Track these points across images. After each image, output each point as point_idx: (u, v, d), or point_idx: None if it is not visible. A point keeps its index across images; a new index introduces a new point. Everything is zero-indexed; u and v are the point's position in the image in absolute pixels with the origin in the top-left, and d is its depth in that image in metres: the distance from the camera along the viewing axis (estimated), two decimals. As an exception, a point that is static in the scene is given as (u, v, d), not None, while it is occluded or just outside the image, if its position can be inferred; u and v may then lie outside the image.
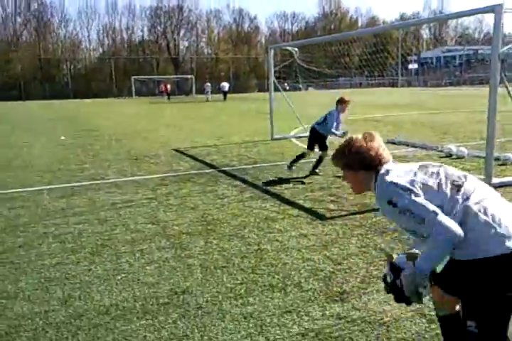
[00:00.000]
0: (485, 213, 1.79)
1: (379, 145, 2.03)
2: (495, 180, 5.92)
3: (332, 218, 4.90)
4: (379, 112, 18.84)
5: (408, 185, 1.85)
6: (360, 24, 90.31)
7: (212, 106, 30.43)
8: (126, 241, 4.35)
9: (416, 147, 9.31)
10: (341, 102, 6.98)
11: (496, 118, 5.85)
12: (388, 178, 1.90)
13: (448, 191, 1.84)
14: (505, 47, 5.91)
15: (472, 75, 59.13)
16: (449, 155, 8.14)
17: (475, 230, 1.77)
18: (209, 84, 42.30)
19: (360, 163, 2.01)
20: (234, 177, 7.17)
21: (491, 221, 1.77)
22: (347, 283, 3.37)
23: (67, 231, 4.70)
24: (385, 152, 2.03)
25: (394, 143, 9.58)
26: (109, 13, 74.83)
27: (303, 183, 6.58)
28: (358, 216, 4.92)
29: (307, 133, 11.77)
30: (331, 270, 3.60)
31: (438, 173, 1.91)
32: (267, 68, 12.09)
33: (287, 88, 11.01)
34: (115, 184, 6.85)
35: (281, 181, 6.79)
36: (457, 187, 1.86)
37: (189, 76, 57.20)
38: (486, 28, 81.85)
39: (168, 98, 42.03)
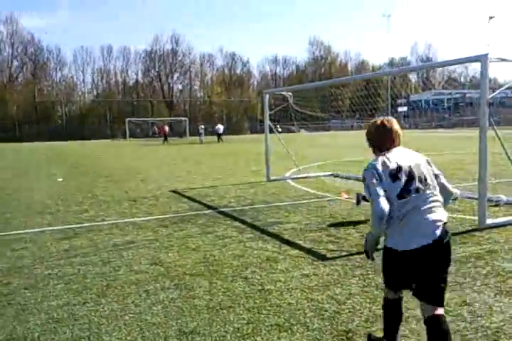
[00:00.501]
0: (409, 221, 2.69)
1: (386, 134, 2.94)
2: (488, 221, 6.08)
3: (332, 258, 4.99)
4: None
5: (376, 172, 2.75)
6: (350, 68, 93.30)
7: (207, 148, 30.85)
8: (131, 282, 4.40)
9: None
10: None
11: (487, 159, 6.09)
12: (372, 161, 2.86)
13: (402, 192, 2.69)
14: (493, 94, 6.25)
15: (461, 118, 60.73)
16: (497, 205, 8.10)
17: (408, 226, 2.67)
18: (203, 126, 43.06)
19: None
20: (233, 218, 7.28)
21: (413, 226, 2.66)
22: (352, 323, 3.45)
23: (72, 272, 4.75)
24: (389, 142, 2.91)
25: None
26: (104, 56, 76.79)
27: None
28: (357, 256, 5.02)
29: (302, 174, 12.12)
30: (335, 309, 3.68)
31: (410, 174, 2.74)
32: (262, 112, 12.44)
33: (280, 130, 11.36)
34: (116, 225, 6.92)
35: (279, 222, 6.90)
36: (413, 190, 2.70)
37: (183, 118, 58.12)
38: (471, 72, 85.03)
39: (165, 140, 41.07)
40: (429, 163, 2.89)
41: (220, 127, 41.16)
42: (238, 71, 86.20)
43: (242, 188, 10.59)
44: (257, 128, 69.32)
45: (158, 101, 77.49)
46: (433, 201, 2.72)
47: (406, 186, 2.69)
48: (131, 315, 3.66)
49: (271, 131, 12.35)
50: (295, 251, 5.30)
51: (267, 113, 12.28)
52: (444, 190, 2.87)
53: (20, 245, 5.88)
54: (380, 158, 2.83)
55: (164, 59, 78.85)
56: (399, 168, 2.72)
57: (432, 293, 2.66)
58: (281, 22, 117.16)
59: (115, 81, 77.96)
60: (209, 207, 8.27)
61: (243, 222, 6.97)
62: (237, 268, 4.75)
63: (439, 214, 2.70)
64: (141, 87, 78.45)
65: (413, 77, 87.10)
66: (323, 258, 5.03)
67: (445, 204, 2.84)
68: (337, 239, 5.76)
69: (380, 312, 3.56)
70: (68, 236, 6.32)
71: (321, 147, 24.34)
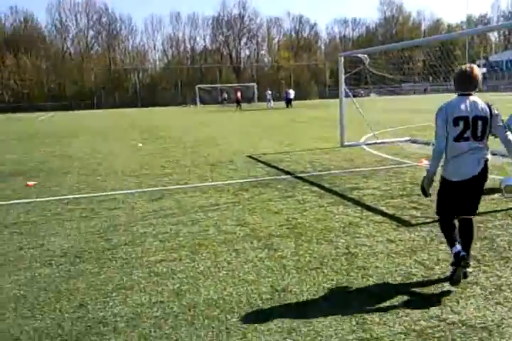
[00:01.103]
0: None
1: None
2: None
3: (418, 225, 4.95)
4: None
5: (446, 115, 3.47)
6: (423, 28, 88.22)
7: (276, 114, 30.79)
8: (221, 242, 4.63)
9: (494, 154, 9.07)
10: None
11: None
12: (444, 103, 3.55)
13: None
14: None
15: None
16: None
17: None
18: (270, 92, 42.75)
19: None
20: (310, 183, 7.34)
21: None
22: (442, 288, 3.45)
23: (164, 231, 5.06)
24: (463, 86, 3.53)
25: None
26: (173, 23, 77.72)
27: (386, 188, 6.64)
28: (443, 223, 4.93)
29: (378, 140, 11.87)
30: (424, 274, 3.68)
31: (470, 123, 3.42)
32: (331, 75, 12.15)
33: (350, 93, 11.01)
34: (199, 188, 7.22)
35: (358, 187, 6.88)
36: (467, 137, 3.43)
37: (251, 84, 58.07)
38: (562, 29, 77.32)
39: (238, 106, 40.86)
40: (491, 117, 3.46)
41: (291, 92, 40.44)
42: (306, 34, 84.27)
43: (316, 154, 10.59)
44: (325, 93, 68.06)
45: (226, 67, 77.73)
46: (477, 148, 3.45)
47: (461, 133, 3.43)
48: (224, 272, 3.87)
49: (346, 95, 12.11)
50: (378, 217, 5.30)
51: (342, 76, 12.02)
52: (505, 141, 3.56)
53: (114, 205, 6.32)
54: (451, 103, 3.52)
55: (231, 24, 78.49)
56: (461, 117, 3.42)
57: (468, 209, 3.61)
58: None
59: (184, 48, 78.98)
60: (286, 172, 8.37)
61: (321, 187, 7.02)
62: (321, 232, 4.84)
63: (478, 159, 3.45)
64: (209, 53, 78.99)
65: (493, 36, 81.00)
66: (407, 224, 5.00)
67: (504, 140, 3.56)
68: (420, 206, 5.67)
69: (471, 278, 3.55)
70: (156, 197, 6.69)
71: (394, 112, 23.53)
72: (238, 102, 41.54)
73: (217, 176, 8.24)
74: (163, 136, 16.47)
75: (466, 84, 3.53)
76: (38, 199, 6.86)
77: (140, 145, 13.64)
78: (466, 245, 3.57)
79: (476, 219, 3.81)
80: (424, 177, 3.61)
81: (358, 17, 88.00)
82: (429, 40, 17.03)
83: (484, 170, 3.47)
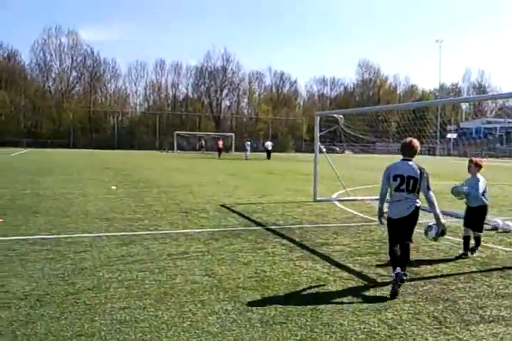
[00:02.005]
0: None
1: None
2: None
3: (383, 283, 5.02)
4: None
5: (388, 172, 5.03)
6: (399, 91, 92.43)
7: (253, 165, 31.18)
8: (186, 291, 4.59)
9: (460, 218, 9.35)
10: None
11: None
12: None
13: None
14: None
15: (512, 148, 58.69)
16: (495, 229, 8.17)
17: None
18: (249, 142, 43.46)
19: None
20: (281, 236, 7.40)
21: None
22: (404, 348, 3.48)
23: (130, 277, 5.00)
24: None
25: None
26: (156, 70, 79.36)
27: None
28: (407, 283, 5.02)
29: (350, 197, 12.13)
30: (387, 334, 3.72)
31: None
32: (308, 131, 12.57)
33: (324, 150, 11.38)
34: (169, 235, 7.19)
35: (328, 243, 6.96)
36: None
37: (229, 134, 59.02)
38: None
39: (220, 155, 41.36)
40: (421, 178, 4.86)
41: (269, 144, 41.25)
42: (286, 90, 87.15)
43: (288, 207, 10.72)
44: (301, 147, 69.53)
45: (206, 116, 79.11)
46: (409, 198, 4.87)
47: (398, 186, 4.90)
48: (188, 323, 3.83)
49: (320, 151, 12.47)
50: (345, 274, 5.36)
51: (318, 134, 12.43)
52: (424, 192, 4.90)
53: (81, 248, 6.22)
54: (394, 165, 5.05)
55: (214, 75, 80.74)
56: (398, 175, 4.92)
57: (404, 237, 4.92)
58: (330, 44, 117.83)
59: (166, 94, 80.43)
60: (257, 224, 8.43)
61: (292, 240, 7.09)
62: (289, 286, 4.86)
63: (410, 205, 4.86)
64: (190, 102, 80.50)
65: (464, 104, 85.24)
66: (373, 282, 5.07)
67: (426, 198, 4.92)
68: (387, 265, 5.77)
69: (432, 339, 3.61)
70: (125, 242, 6.62)
71: (367, 170, 24.12)
72: (219, 150, 42.05)
73: (188, 224, 8.23)
74: (138, 180, 16.43)
75: (406, 152, 5.03)
76: (2, 238, 6.70)
77: (113, 187, 13.56)
78: (403, 263, 4.85)
79: (439, 280, 4.40)
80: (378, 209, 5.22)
81: (337, 77, 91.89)
82: (405, 106, 17.91)
83: (414, 212, 4.89)
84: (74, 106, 68.20)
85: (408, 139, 5.08)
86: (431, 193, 4.87)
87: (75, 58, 74.22)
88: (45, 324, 3.71)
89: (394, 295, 4.55)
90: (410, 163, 4.93)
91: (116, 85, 77.97)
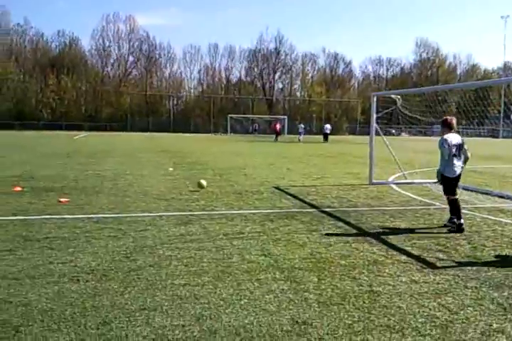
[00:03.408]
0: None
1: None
2: None
3: (443, 267, 4.89)
4: (479, 163, 18.15)
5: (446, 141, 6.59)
6: (459, 71, 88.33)
7: (307, 148, 30.99)
8: (243, 270, 4.67)
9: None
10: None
11: None
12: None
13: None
14: None
15: None
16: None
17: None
18: (303, 125, 43.06)
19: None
20: (336, 218, 7.35)
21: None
22: (466, 334, 3.39)
23: (189, 255, 5.14)
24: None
25: (501, 197, 9.26)
26: (210, 54, 79.84)
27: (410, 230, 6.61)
28: (469, 267, 4.87)
29: (407, 180, 11.82)
30: (448, 318, 3.63)
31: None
32: (363, 113, 12.27)
33: (380, 133, 11.07)
34: (225, 216, 7.31)
35: (384, 226, 6.85)
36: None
37: (282, 117, 58.73)
38: None
39: (277, 138, 41.29)
40: (463, 143, 6.64)
41: (328, 126, 40.56)
42: (340, 71, 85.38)
43: (343, 189, 10.60)
44: (356, 130, 68.28)
45: (259, 99, 79.09)
46: (460, 160, 6.60)
47: (454, 152, 6.52)
48: (246, 301, 3.90)
49: (376, 133, 12.18)
50: (403, 257, 5.26)
51: (374, 115, 12.12)
52: (465, 156, 6.70)
53: (141, 227, 6.45)
54: (446, 136, 6.61)
55: (267, 58, 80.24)
56: (451, 142, 6.53)
57: (453, 189, 6.68)
58: (386, 23, 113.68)
59: (219, 78, 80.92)
60: (312, 206, 8.40)
61: (347, 223, 7.02)
62: (345, 268, 4.83)
63: (460, 166, 6.59)
64: (243, 85, 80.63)
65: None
66: (432, 266, 4.95)
67: (464, 163, 6.73)
68: (446, 249, 5.61)
69: (496, 326, 3.49)
70: (183, 222, 6.80)
71: (425, 153, 23.33)
72: (277, 133, 41.94)
73: (243, 205, 8.33)
74: (193, 162, 16.77)
75: (453, 126, 6.71)
76: (69, 216, 7.06)
77: (171, 169, 13.91)
78: (459, 214, 6.57)
79: (503, 266, 4.29)
80: (437, 172, 6.81)
81: (393, 57, 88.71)
82: (465, 86, 17.08)
83: (460, 172, 6.61)
84: (131, 91, 70.09)
85: (450, 117, 6.82)
86: (469, 153, 6.79)
87: (132, 43, 76.09)
88: (110, 297, 3.90)
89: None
90: (456, 134, 6.74)
91: (172, 69, 79.37)
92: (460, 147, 6.57)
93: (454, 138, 6.57)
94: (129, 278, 4.36)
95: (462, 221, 6.46)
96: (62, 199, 8.34)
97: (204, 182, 9.64)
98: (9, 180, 11.04)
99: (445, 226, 6.70)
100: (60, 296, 3.89)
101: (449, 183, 6.60)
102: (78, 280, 4.28)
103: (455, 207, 6.56)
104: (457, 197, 6.68)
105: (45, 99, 67.76)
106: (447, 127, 6.66)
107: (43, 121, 64.45)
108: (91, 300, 3.83)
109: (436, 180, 7.18)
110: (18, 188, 9.52)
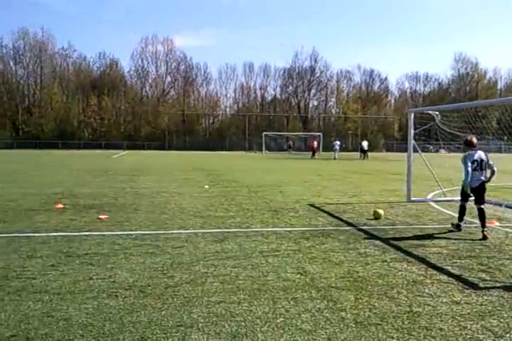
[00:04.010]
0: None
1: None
2: None
3: (486, 288, 4.72)
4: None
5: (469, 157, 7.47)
6: (499, 86, 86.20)
7: (343, 164, 30.75)
8: (279, 288, 4.64)
9: None
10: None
11: None
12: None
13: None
14: None
15: None
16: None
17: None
18: (338, 142, 42.77)
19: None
20: (374, 236, 7.22)
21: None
22: (512, 358, 3.25)
23: (225, 272, 5.15)
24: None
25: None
26: (245, 73, 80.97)
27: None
28: (514, 289, 4.68)
29: (446, 198, 11.52)
30: (493, 342, 3.49)
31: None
32: (400, 129, 12.09)
33: (418, 149, 10.91)
34: (260, 233, 7.31)
35: (424, 245, 6.68)
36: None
37: (317, 133, 58.59)
38: None
39: (313, 155, 41.47)
40: (487, 158, 7.44)
41: (365, 143, 40.13)
42: (375, 88, 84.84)
43: (380, 207, 10.40)
44: (393, 147, 67.31)
45: (293, 117, 79.34)
46: (482, 174, 7.43)
47: (475, 166, 7.36)
48: (281, 319, 3.87)
49: (414, 150, 11.98)
50: (443, 277, 5.11)
51: (412, 132, 11.95)
52: (491, 170, 7.52)
53: (178, 243, 6.52)
54: (467, 153, 7.46)
55: (302, 75, 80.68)
56: (475, 159, 7.37)
57: (479, 199, 7.42)
58: (422, 38, 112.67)
59: (254, 96, 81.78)
60: (348, 224, 8.30)
61: (385, 241, 6.89)
62: (383, 287, 4.73)
63: (480, 178, 7.41)
64: (278, 102, 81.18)
65: None
66: (474, 287, 4.78)
67: (491, 175, 7.54)
68: (489, 269, 5.42)
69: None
70: (219, 239, 6.84)
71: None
72: (313, 151, 42.05)
73: (278, 222, 8.32)
74: (229, 180, 16.89)
75: (474, 144, 7.56)
76: (108, 233, 7.22)
77: (206, 187, 14.06)
78: (483, 222, 7.24)
79: None
80: (464, 185, 7.48)
81: (430, 73, 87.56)
82: (506, 101, 16.60)
83: (482, 184, 7.43)
84: (169, 110, 71.67)
85: (469, 137, 7.72)
86: (495, 167, 7.54)
87: (169, 64, 78.16)
88: (147, 313, 3.94)
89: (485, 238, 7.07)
90: (479, 151, 7.53)
91: (208, 88, 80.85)
92: (482, 162, 7.40)
93: (475, 154, 7.45)
94: (165, 295, 4.40)
95: (462, 223, 7.77)
96: (101, 216, 8.55)
97: (381, 212, 8.97)
98: (52, 197, 11.41)
99: (450, 231, 7.68)
100: (99, 311, 3.96)
101: (463, 191, 7.59)
102: (116, 296, 4.36)
103: (463, 211, 7.71)
104: (466, 204, 7.72)
105: (86, 119, 70.14)
106: (469, 145, 7.57)
107: (84, 141, 66.58)
108: (129, 315, 3.88)
109: (466, 193, 7.60)
110: (60, 205, 9.83)
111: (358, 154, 40.52)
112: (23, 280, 4.78)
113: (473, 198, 7.59)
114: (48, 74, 72.94)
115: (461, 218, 7.74)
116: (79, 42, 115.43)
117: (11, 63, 72.26)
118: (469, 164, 7.32)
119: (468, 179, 7.34)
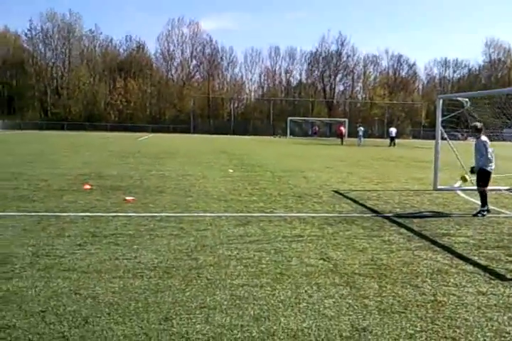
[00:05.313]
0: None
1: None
2: None
3: (513, 280, 4.64)
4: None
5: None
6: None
7: (368, 151, 30.42)
8: (302, 273, 4.64)
9: None
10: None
11: None
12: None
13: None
14: None
15: None
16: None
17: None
18: (362, 128, 42.23)
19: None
20: (398, 224, 7.15)
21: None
22: (539, 351, 3.19)
23: (248, 256, 5.18)
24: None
25: None
26: (271, 56, 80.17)
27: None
28: (543, 281, 4.59)
29: (474, 187, 11.27)
30: (519, 334, 3.44)
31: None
32: (427, 116, 11.83)
33: (445, 137, 10.69)
34: (283, 218, 7.31)
35: (449, 234, 6.58)
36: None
37: (343, 119, 57.92)
38: None
39: (342, 141, 41.15)
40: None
41: (393, 130, 39.44)
42: (403, 73, 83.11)
43: (406, 195, 10.30)
44: (420, 134, 66.18)
45: (319, 102, 78.52)
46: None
47: (490, 150, 7.86)
48: (304, 304, 3.88)
49: (442, 137, 11.74)
50: (469, 267, 5.03)
51: (439, 119, 11.70)
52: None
53: (202, 226, 6.59)
54: (484, 138, 7.91)
55: (328, 60, 79.51)
56: (488, 143, 7.93)
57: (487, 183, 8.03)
58: (452, 23, 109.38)
59: (279, 81, 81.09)
60: (373, 211, 8.23)
61: (410, 229, 6.81)
62: (407, 275, 4.69)
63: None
64: (303, 87, 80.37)
65: None
66: (502, 277, 4.70)
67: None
68: (518, 260, 5.31)
69: None
70: (242, 223, 6.87)
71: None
72: (342, 136, 41.69)
73: (302, 208, 8.30)
74: (253, 164, 16.91)
75: (483, 130, 8.00)
76: (134, 214, 7.33)
77: (231, 171, 14.11)
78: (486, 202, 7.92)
79: None
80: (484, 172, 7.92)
81: (460, 58, 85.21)
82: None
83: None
84: (194, 94, 71.77)
85: (480, 123, 8.11)
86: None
87: (195, 47, 77.96)
88: (172, 294, 4.00)
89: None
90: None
91: (233, 72, 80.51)
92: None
93: (488, 140, 7.96)
94: (189, 276, 4.46)
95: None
96: (127, 198, 8.67)
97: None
98: (80, 178, 11.62)
99: (475, 215, 7.82)
100: (124, 291, 4.04)
101: (488, 177, 7.90)
102: (142, 276, 4.43)
103: (485, 197, 7.87)
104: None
105: (113, 101, 70.85)
106: (480, 131, 7.97)
107: (110, 123, 67.40)
108: (153, 296, 3.95)
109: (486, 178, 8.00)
110: (88, 186, 10.01)
111: (382, 140, 39.89)
112: (52, 258, 4.90)
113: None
114: (75, 56, 73.69)
115: (486, 202, 8.01)
116: (105, 25, 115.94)
117: (40, 45, 73.23)
118: (490, 150, 7.77)
119: (493, 166, 7.88)
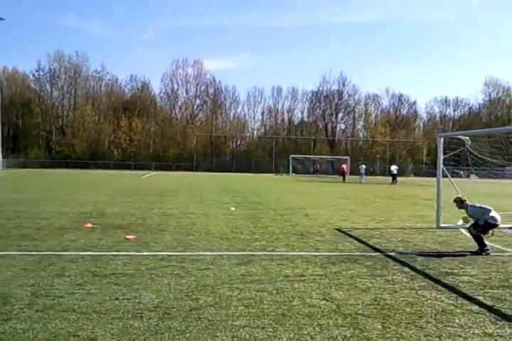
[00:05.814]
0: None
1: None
2: None
3: (520, 321, 4.54)
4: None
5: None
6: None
7: (370, 188, 30.42)
8: (305, 314, 4.57)
9: None
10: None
11: None
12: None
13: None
14: None
15: None
16: None
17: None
18: (364, 166, 42.39)
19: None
20: (402, 263, 7.07)
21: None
22: None
23: (249, 296, 5.11)
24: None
25: None
26: (273, 96, 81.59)
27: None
28: (550, 322, 4.49)
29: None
30: (527, 378, 3.34)
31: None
32: (429, 154, 11.92)
33: (448, 175, 10.74)
34: (286, 257, 7.25)
35: (454, 273, 6.50)
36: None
37: (345, 157, 58.27)
38: None
39: (344, 179, 41.42)
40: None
41: (395, 167, 39.60)
42: (404, 112, 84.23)
43: (409, 233, 10.23)
44: (421, 171, 66.33)
45: (321, 140, 79.26)
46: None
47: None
48: (307, 346, 3.80)
49: (443, 175, 11.79)
50: (474, 307, 4.95)
51: (441, 156, 11.79)
52: None
53: (203, 265, 6.53)
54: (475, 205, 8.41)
55: (330, 99, 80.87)
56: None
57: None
58: (452, 62, 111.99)
59: (281, 119, 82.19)
60: (375, 249, 8.16)
61: (413, 268, 6.74)
62: (411, 316, 4.61)
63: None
64: (305, 125, 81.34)
65: None
66: (508, 318, 4.61)
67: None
68: (524, 300, 5.22)
69: None
70: (244, 262, 6.81)
71: (498, 197, 22.21)
72: (344, 174, 41.83)
73: (304, 246, 8.24)
74: (255, 202, 16.89)
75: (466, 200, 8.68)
76: (135, 253, 7.29)
77: (232, 209, 14.09)
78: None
79: None
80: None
81: (460, 97, 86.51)
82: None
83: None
84: (197, 132, 72.66)
85: (463, 197, 8.68)
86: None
87: (199, 87, 79.57)
88: (171, 336, 3.94)
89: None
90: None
91: (236, 111, 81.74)
92: None
93: (472, 203, 8.53)
94: (190, 317, 4.39)
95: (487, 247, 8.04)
96: (129, 237, 8.64)
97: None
98: (82, 216, 11.62)
99: (478, 254, 7.87)
100: (123, 332, 3.98)
101: (491, 228, 8.07)
102: (141, 317, 4.37)
103: (481, 238, 8.00)
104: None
105: (117, 139, 71.63)
106: (464, 202, 8.58)
107: (114, 161, 67.90)
108: (153, 337, 3.88)
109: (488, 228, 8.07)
110: (89, 225, 9.99)
111: (384, 178, 39.91)
112: (51, 299, 4.85)
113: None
114: (81, 95, 75.19)
115: (484, 243, 8.08)
116: (111, 64, 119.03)
117: (47, 85, 74.90)
118: (488, 207, 8.15)
119: (497, 217, 8.12)
